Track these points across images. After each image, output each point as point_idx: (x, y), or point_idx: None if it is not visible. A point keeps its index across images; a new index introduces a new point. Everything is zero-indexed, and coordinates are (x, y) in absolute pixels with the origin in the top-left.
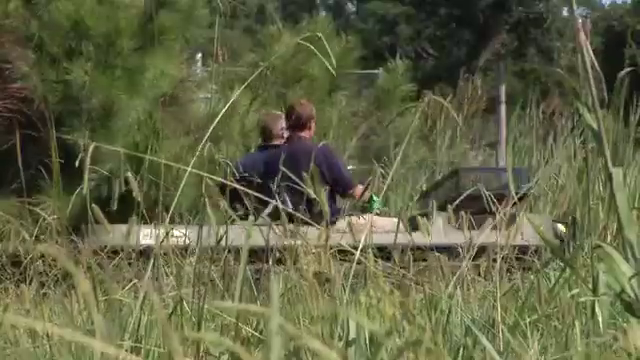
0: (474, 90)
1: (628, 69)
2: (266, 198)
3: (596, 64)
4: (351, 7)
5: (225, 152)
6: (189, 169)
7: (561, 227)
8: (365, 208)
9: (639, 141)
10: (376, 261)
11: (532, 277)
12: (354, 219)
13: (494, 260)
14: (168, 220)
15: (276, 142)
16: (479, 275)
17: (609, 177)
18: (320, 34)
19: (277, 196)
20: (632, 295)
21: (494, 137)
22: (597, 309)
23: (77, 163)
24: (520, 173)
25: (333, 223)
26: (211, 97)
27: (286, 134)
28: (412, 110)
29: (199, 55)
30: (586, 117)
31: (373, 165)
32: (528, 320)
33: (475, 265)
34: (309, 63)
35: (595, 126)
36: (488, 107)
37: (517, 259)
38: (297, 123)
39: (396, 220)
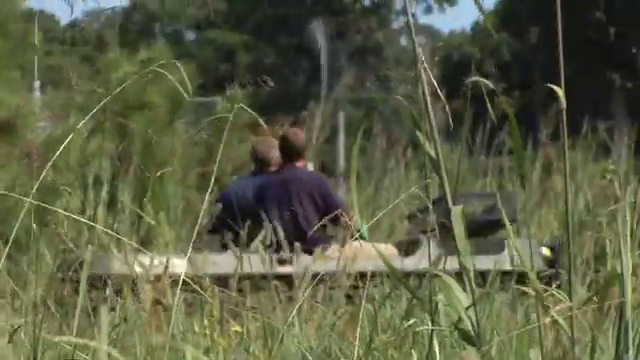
0: (313, 118)
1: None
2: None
3: (440, 93)
4: (190, 35)
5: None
6: (29, 199)
7: (545, 251)
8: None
9: (476, 169)
10: (213, 290)
11: (369, 306)
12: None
13: (332, 288)
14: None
15: (272, 169)
16: (317, 303)
17: (448, 213)
18: (162, 61)
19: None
20: (469, 325)
21: (335, 165)
22: (434, 339)
23: None
24: (511, 198)
25: (324, 250)
26: (48, 125)
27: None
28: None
29: (37, 83)
30: (425, 146)
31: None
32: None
33: (314, 293)
34: (149, 91)
35: (434, 155)
36: (330, 136)
37: (355, 288)
38: (292, 152)
39: (384, 246)
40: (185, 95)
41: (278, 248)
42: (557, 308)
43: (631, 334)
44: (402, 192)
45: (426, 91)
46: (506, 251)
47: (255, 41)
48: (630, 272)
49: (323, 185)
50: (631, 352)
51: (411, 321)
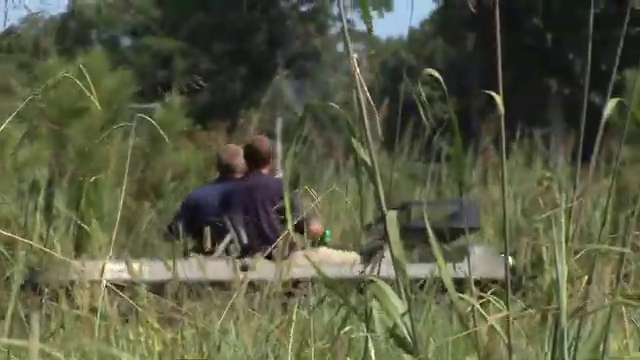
0: (250, 124)
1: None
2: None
3: (370, 100)
4: (126, 41)
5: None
6: None
7: (511, 260)
8: (315, 242)
9: (414, 176)
10: (148, 297)
11: (304, 313)
12: (311, 253)
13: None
14: None
15: (237, 176)
16: (253, 310)
17: (382, 217)
18: (98, 67)
19: (234, 230)
20: (404, 331)
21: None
22: (370, 345)
23: None
24: (470, 206)
25: (287, 257)
26: None
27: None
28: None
29: None
30: (359, 152)
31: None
32: (305, 354)
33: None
34: (85, 98)
35: (369, 161)
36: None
37: (289, 294)
38: (257, 159)
39: (349, 253)
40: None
41: (242, 254)
42: (494, 316)
43: (566, 343)
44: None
45: (361, 97)
46: (470, 259)
47: (190, 47)
48: (565, 279)
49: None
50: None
51: (347, 328)
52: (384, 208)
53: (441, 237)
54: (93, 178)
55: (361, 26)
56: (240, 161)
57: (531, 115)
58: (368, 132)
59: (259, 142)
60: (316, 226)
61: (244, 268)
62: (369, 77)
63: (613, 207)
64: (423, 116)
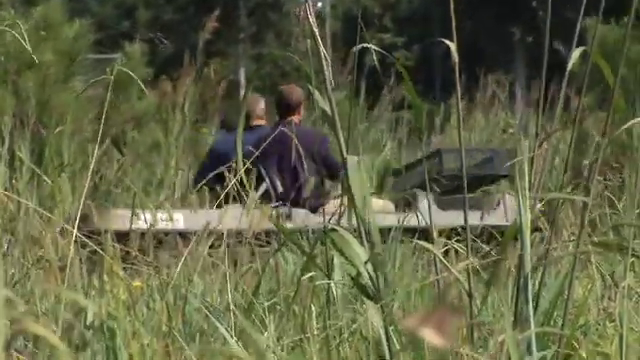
0: (214, 74)
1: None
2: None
3: (322, 49)
4: None
5: None
6: None
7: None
8: None
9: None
10: (113, 246)
11: (271, 261)
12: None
13: (240, 243)
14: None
15: (257, 123)
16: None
17: (343, 163)
18: (57, 18)
19: (268, 178)
20: (367, 278)
21: (238, 118)
22: (333, 292)
23: None
24: (500, 154)
25: (321, 205)
26: None
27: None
28: (148, 94)
29: None
30: (319, 100)
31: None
32: (266, 304)
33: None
34: (40, 49)
35: (328, 109)
36: (230, 91)
37: (266, 244)
38: (287, 108)
39: (385, 202)
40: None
41: (277, 203)
42: (458, 265)
43: (530, 289)
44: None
45: (320, 45)
46: (501, 206)
47: None
48: (529, 227)
49: (322, 141)
50: (531, 308)
51: (308, 275)
52: (345, 155)
53: (471, 185)
54: (57, 129)
55: None
56: (260, 107)
57: (495, 62)
58: (328, 80)
59: (289, 90)
60: None
61: (287, 216)
62: (334, 25)
63: (574, 154)
64: (377, 64)
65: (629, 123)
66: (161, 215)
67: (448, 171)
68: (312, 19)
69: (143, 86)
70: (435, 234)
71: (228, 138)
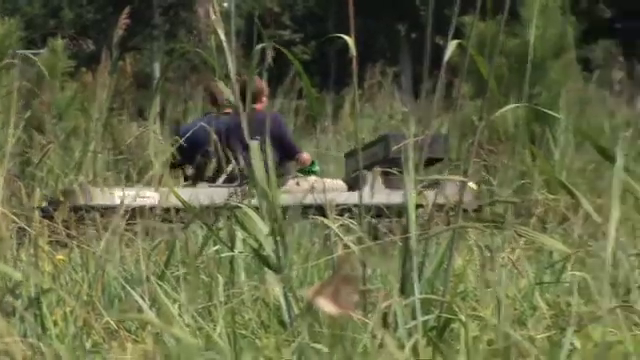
0: (130, 67)
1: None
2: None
3: (226, 44)
4: None
5: None
6: None
7: (472, 185)
8: (303, 171)
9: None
10: (41, 221)
11: (181, 235)
12: (301, 181)
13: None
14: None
15: (226, 110)
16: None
17: (244, 147)
18: None
19: (236, 160)
20: (268, 250)
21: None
22: (236, 264)
23: None
24: (438, 139)
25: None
26: None
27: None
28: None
29: None
30: (224, 91)
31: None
32: (179, 273)
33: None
34: None
35: (232, 99)
36: (144, 82)
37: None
38: (251, 96)
39: (336, 181)
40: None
41: (241, 182)
42: (350, 237)
43: (415, 260)
44: None
45: (224, 41)
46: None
47: None
48: (414, 204)
49: (280, 124)
50: (415, 276)
51: (215, 247)
52: (248, 141)
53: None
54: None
55: None
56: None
57: (383, 56)
58: (232, 72)
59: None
60: (305, 156)
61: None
62: (238, 22)
63: (454, 137)
64: (270, 59)
65: (503, 109)
66: (139, 192)
67: (394, 154)
68: (217, 17)
69: (64, 77)
70: (331, 212)
71: (197, 123)
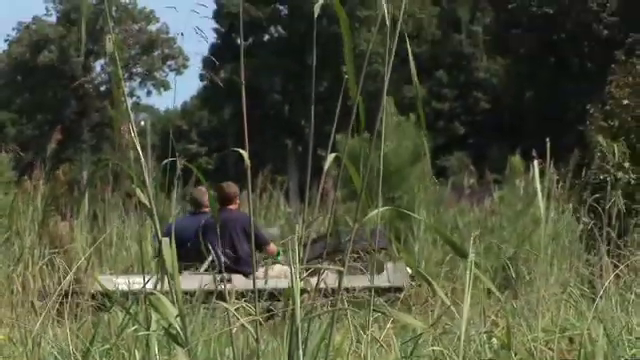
0: (63, 175)
1: None
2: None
3: (142, 157)
4: None
5: None
6: None
7: (409, 270)
8: (269, 259)
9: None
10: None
11: (105, 317)
12: (269, 269)
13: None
14: None
15: (205, 210)
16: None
17: (159, 244)
18: None
19: (215, 252)
20: (177, 329)
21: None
22: (150, 342)
23: None
24: (380, 231)
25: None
26: None
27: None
28: None
29: None
30: (140, 196)
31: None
32: (102, 349)
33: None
34: None
35: (147, 203)
36: (75, 187)
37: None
38: (225, 199)
39: (285, 267)
40: None
41: (220, 271)
42: (246, 318)
43: (300, 335)
44: None
45: (141, 155)
46: (385, 272)
47: (19, 118)
48: (299, 289)
49: (250, 222)
50: (301, 351)
51: (133, 327)
52: (160, 237)
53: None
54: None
55: (146, 100)
56: (207, 199)
57: (274, 166)
58: (147, 181)
59: (228, 187)
60: (272, 247)
61: (228, 280)
62: (153, 138)
63: (331, 236)
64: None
65: (372, 213)
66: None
67: (343, 245)
68: (134, 134)
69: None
70: (229, 296)
71: (181, 220)
